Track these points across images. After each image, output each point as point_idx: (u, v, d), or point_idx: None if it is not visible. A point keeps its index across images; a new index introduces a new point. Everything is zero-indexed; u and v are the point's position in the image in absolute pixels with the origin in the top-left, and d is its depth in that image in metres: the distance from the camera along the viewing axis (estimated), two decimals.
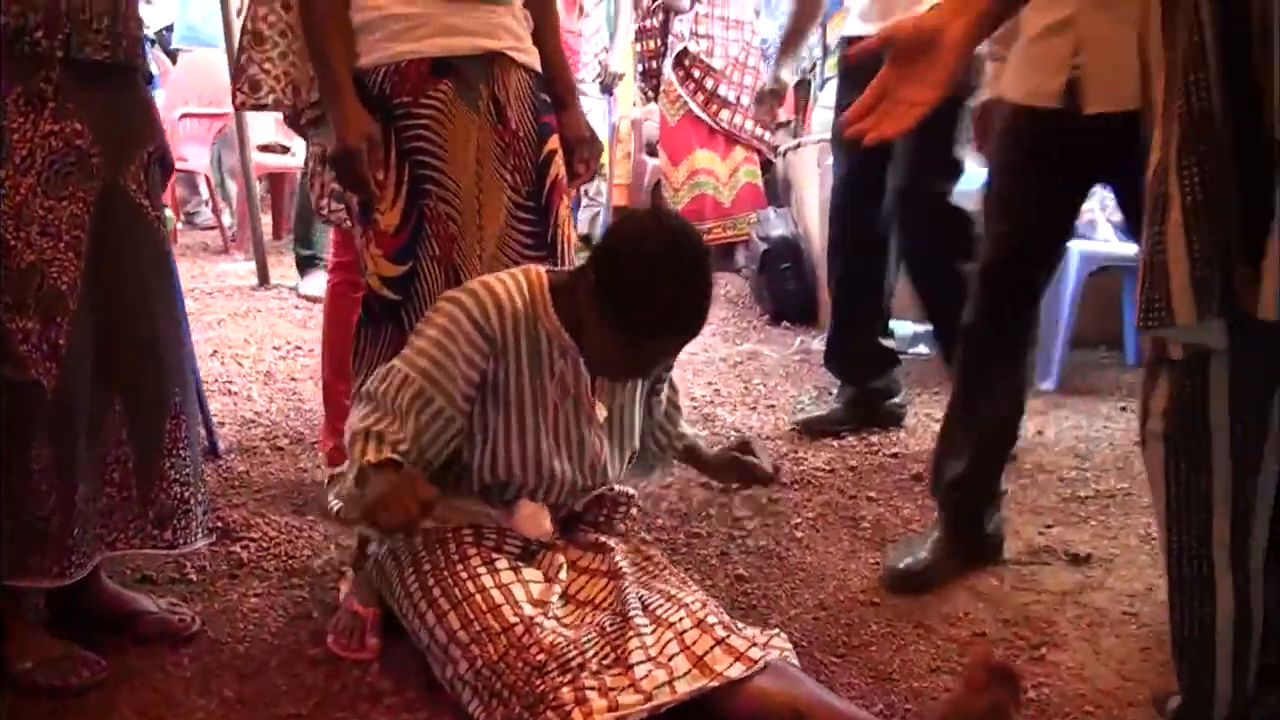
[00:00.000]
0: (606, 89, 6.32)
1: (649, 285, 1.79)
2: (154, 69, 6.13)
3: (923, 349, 4.31)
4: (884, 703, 1.90)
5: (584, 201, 6.69)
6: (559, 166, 2.20)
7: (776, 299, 4.99)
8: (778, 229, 5.14)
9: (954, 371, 2.52)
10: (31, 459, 1.86)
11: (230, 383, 3.76)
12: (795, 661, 1.86)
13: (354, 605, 2.11)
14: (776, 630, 1.92)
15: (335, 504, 2.00)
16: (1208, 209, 1.29)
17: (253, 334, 4.41)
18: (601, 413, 2.02)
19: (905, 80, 1.54)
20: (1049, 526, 2.69)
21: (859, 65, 1.97)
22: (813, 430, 3.37)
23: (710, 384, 3.94)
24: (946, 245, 3.05)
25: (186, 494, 2.10)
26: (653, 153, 6.33)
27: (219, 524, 2.59)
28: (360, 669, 2.00)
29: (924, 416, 3.56)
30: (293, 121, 2.40)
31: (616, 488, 2.12)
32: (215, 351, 4.13)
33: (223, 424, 3.33)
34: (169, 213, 2.93)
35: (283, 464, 3.05)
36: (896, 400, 3.52)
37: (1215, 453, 1.41)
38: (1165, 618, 1.57)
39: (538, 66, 2.21)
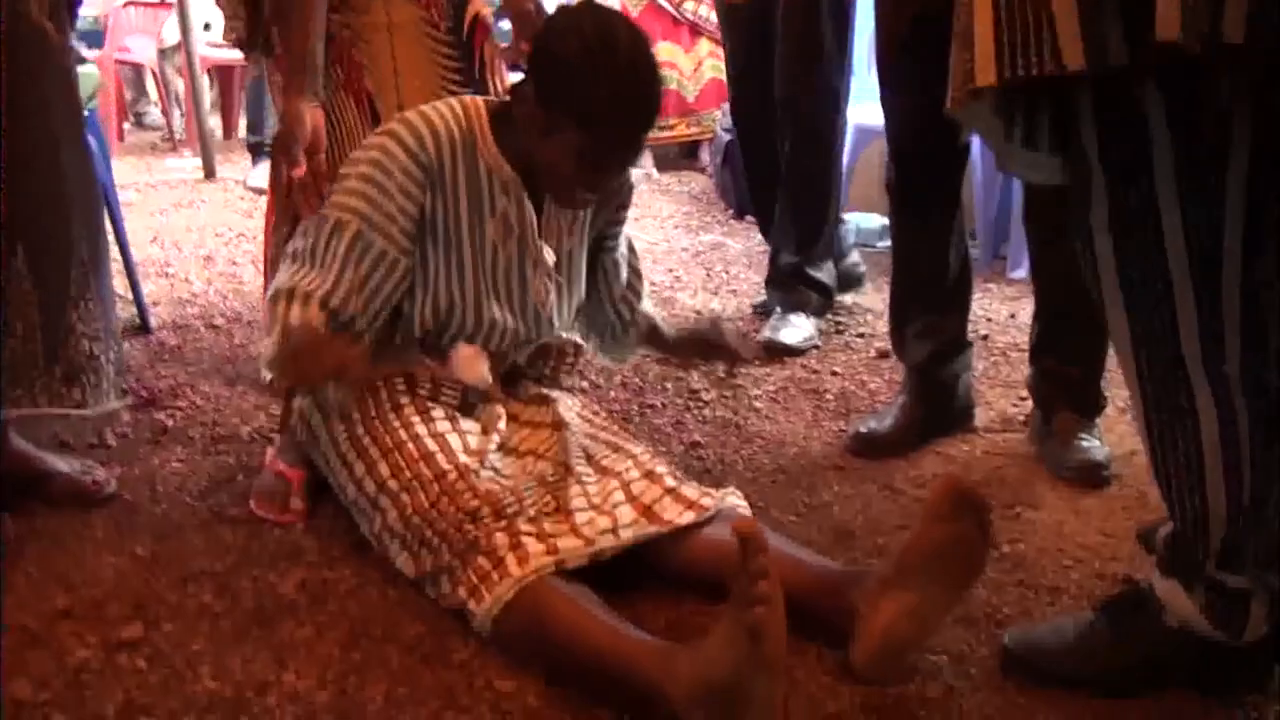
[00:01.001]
0: None
1: (590, 65, 1.63)
2: None
3: (888, 241, 4.15)
4: (845, 558, 1.78)
5: None
6: (478, 5, 2.04)
7: (740, 193, 4.81)
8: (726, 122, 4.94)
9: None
10: None
11: (168, 266, 3.59)
12: (748, 513, 1.73)
13: (279, 467, 1.99)
14: (732, 488, 1.79)
15: (265, 372, 1.84)
16: None
17: (195, 222, 4.22)
18: (549, 256, 1.86)
19: None
20: (1023, 399, 2.56)
21: None
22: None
23: (671, 271, 3.79)
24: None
25: (96, 350, 1.96)
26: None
27: (144, 393, 2.46)
28: (283, 529, 1.88)
29: None
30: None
31: (564, 336, 1.97)
32: (155, 238, 3.94)
33: (157, 303, 3.17)
34: (92, 68, 2.75)
35: (216, 340, 2.90)
36: (853, 261, 3.35)
37: (1169, 241, 1.27)
38: (1148, 481, 1.46)
39: None
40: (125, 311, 2.99)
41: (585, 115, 1.64)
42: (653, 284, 3.57)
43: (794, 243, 3.01)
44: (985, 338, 2.96)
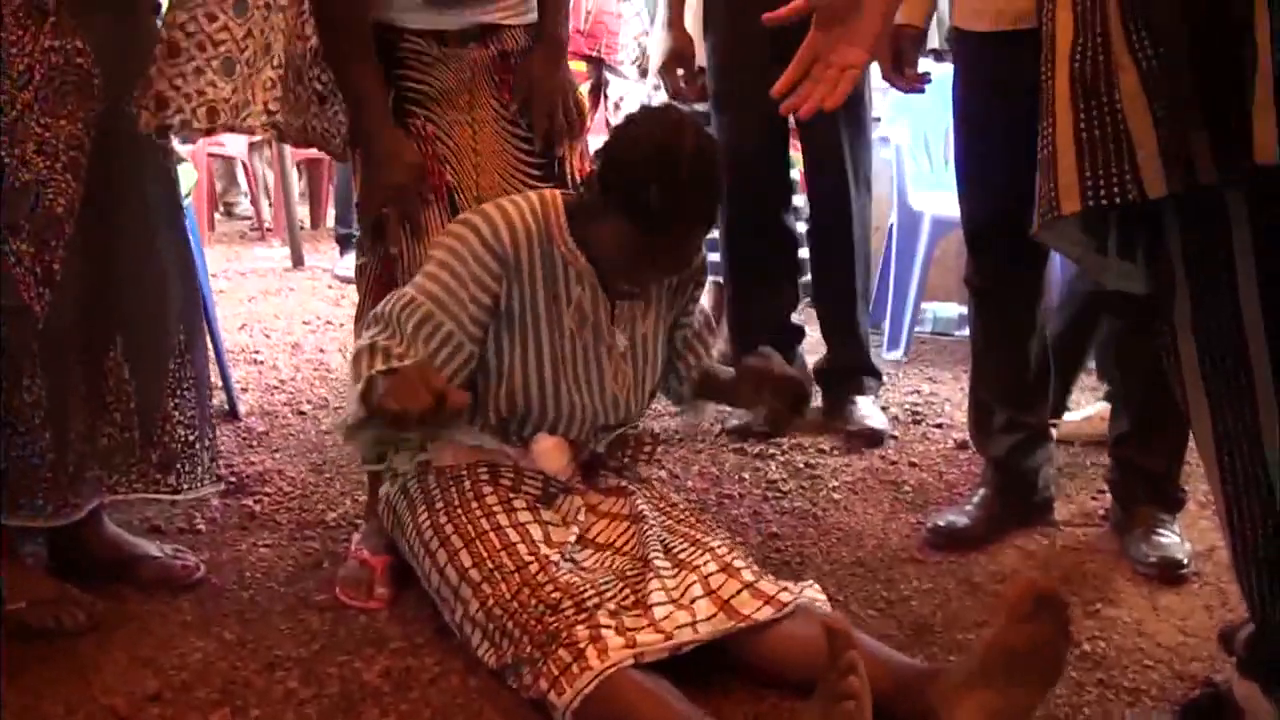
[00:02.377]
0: (645, 72, 6.20)
1: (651, 171, 1.68)
2: None
3: (965, 330, 4.15)
4: (924, 654, 1.77)
5: None
6: None
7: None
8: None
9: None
10: (24, 390, 1.77)
11: (257, 353, 3.69)
12: (829, 611, 1.73)
13: (362, 554, 2.03)
14: (810, 582, 1.79)
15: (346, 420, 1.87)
16: (1166, 73, 1.17)
17: (283, 310, 4.34)
18: (622, 342, 1.90)
19: (834, 44, 1.43)
20: (1103, 492, 2.53)
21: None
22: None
23: None
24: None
25: (191, 438, 2.03)
26: None
27: (233, 479, 2.52)
28: (367, 616, 1.91)
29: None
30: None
31: (640, 425, 1.99)
32: (244, 325, 4.06)
33: (245, 389, 3.25)
34: (189, 166, 2.87)
35: (303, 426, 2.96)
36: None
37: (1251, 342, 1.27)
38: (1229, 578, 1.44)
39: (534, 17, 2.09)
40: (215, 398, 3.07)
41: (640, 215, 1.70)
42: None
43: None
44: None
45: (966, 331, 4.05)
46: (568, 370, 1.87)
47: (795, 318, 3.13)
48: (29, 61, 1.74)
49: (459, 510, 1.81)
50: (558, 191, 1.90)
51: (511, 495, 1.84)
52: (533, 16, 2.08)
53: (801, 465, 2.71)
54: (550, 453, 1.87)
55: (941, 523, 2.24)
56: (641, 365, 1.93)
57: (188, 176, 2.76)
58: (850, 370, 3.04)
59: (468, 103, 2.01)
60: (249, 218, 6.47)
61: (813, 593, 1.75)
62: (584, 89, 4.63)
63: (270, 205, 6.28)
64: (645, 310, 1.93)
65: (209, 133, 1.99)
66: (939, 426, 3.04)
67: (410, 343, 1.77)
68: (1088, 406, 2.89)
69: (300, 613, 1.92)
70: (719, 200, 1.77)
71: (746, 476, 2.62)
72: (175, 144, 2.77)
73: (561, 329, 1.86)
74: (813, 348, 3.17)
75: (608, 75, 4.73)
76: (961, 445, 2.85)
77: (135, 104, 1.88)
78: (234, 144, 5.80)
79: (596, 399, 1.89)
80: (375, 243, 2.00)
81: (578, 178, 2.12)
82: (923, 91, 2.52)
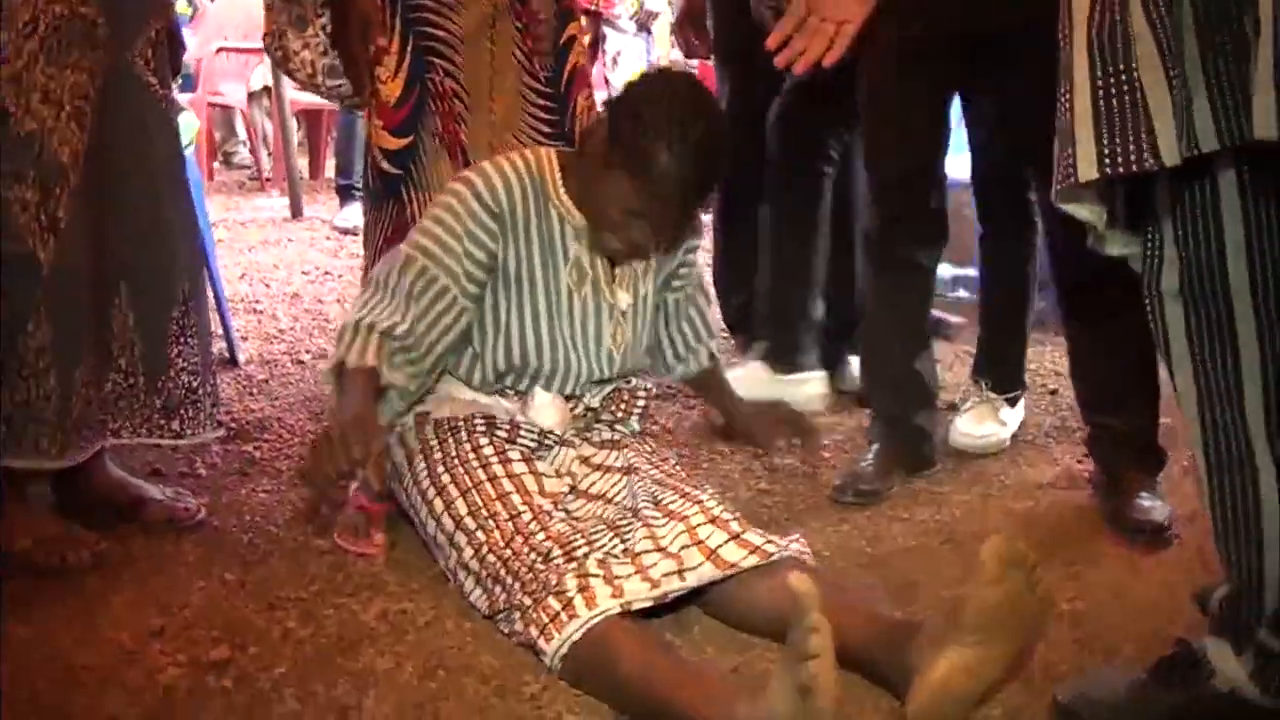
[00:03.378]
0: (643, 27, 6.20)
1: (665, 136, 1.71)
2: (188, 8, 6.12)
3: (963, 293, 4.18)
4: (907, 609, 1.81)
5: None
6: (580, 54, 2.12)
7: None
8: None
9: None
10: (29, 336, 1.81)
11: (257, 302, 3.73)
12: (812, 563, 1.78)
13: (361, 500, 2.06)
14: (797, 535, 1.83)
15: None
16: (1178, 43, 1.19)
17: (283, 260, 4.38)
18: (624, 300, 1.94)
19: None
20: (1087, 456, 2.58)
21: None
22: None
23: None
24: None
25: (195, 384, 2.07)
26: None
27: (233, 425, 2.57)
28: (365, 561, 1.95)
29: (961, 353, 3.44)
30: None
31: (633, 381, 2.04)
32: (244, 274, 4.10)
33: (245, 338, 3.30)
34: (190, 116, 2.88)
35: (302, 375, 3.01)
36: None
37: (1237, 307, 1.30)
38: (1210, 543, 1.48)
39: None
40: (215, 345, 3.11)
41: (644, 171, 1.73)
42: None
43: None
44: (1054, 392, 2.98)
45: (961, 293, 4.16)
46: (565, 327, 1.90)
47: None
48: (33, 12, 1.75)
49: (455, 460, 1.85)
50: (553, 150, 1.93)
51: (507, 447, 1.89)
52: None
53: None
54: (546, 408, 1.91)
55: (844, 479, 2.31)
56: (640, 324, 1.97)
57: (189, 126, 2.79)
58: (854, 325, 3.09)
59: (489, 54, 2.03)
60: (248, 167, 6.49)
61: (799, 546, 1.79)
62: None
63: (269, 155, 6.29)
64: (646, 269, 1.96)
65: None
66: None
67: (405, 304, 1.81)
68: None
69: (300, 556, 1.97)
70: (719, 176, 1.79)
71: (722, 434, 2.66)
72: (175, 93, 2.80)
73: (559, 286, 1.90)
74: None
75: (605, 29, 4.73)
76: (950, 406, 2.89)
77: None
78: (233, 93, 5.81)
79: (593, 356, 1.93)
80: (380, 203, 2.03)
81: None
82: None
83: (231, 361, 3.05)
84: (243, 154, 6.77)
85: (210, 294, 2.97)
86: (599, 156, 1.79)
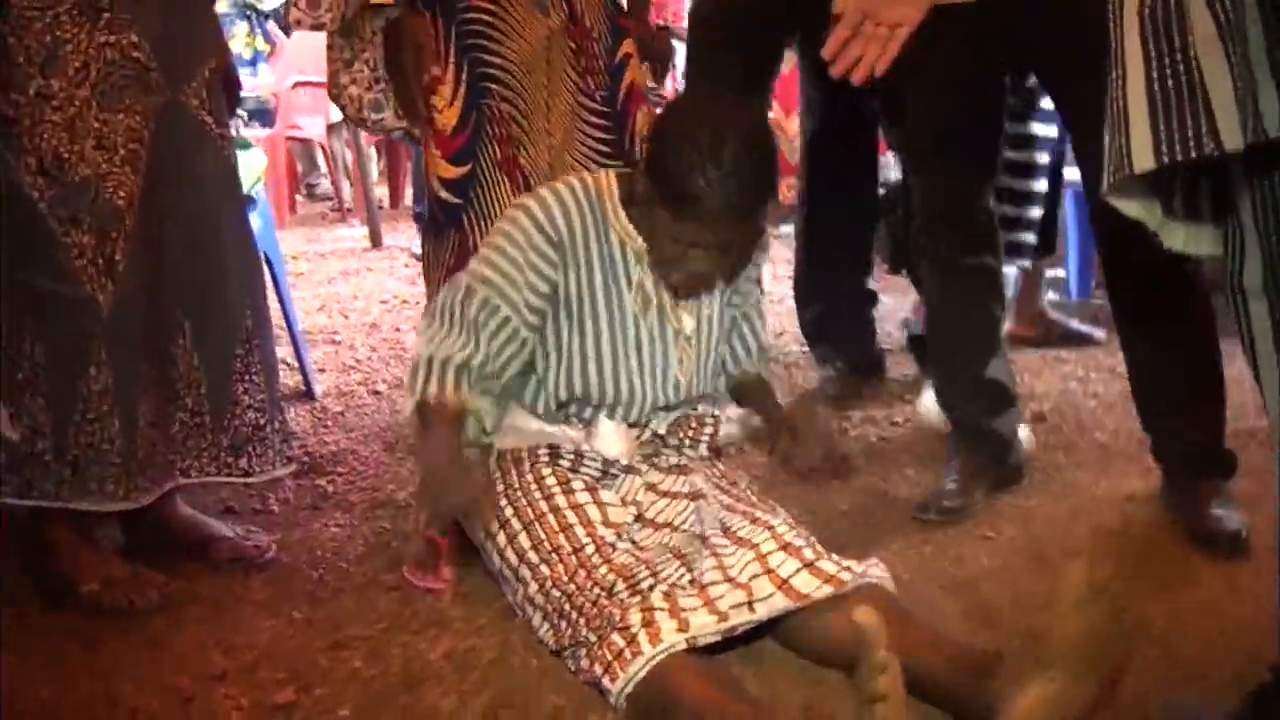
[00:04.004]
0: None
1: (691, 163, 1.63)
2: (266, 45, 6.23)
3: (1051, 294, 4.07)
4: (990, 636, 1.73)
5: None
6: (635, 71, 2.08)
7: (896, 246, 4.75)
8: (894, 173, 4.91)
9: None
10: (91, 380, 1.81)
11: (335, 333, 3.75)
12: (891, 589, 1.70)
13: (430, 534, 2.03)
14: (875, 560, 1.76)
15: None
16: (1240, 30, 1.10)
17: (361, 290, 4.40)
18: (689, 324, 1.88)
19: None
20: None
21: None
22: None
23: None
24: None
25: (261, 420, 2.06)
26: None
27: (306, 459, 2.56)
28: (433, 596, 1.93)
29: (1051, 360, 3.33)
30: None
31: (700, 408, 1.97)
32: (323, 306, 4.13)
33: (322, 370, 3.31)
34: (258, 153, 2.90)
35: (378, 406, 3.00)
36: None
37: None
38: None
39: None
40: (291, 379, 3.14)
41: (685, 205, 1.67)
42: (801, 344, 3.57)
43: None
44: None
45: (1050, 294, 4.05)
46: (630, 353, 1.85)
47: (871, 283, 3.14)
48: (84, 58, 1.76)
49: (519, 493, 1.81)
50: (612, 173, 1.88)
51: (570, 477, 1.84)
52: None
53: (874, 439, 2.68)
54: (611, 437, 1.86)
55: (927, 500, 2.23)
56: (706, 348, 1.91)
57: (256, 162, 2.80)
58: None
59: (545, 77, 2.00)
60: (330, 198, 6.57)
61: (878, 571, 1.71)
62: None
63: (350, 185, 6.37)
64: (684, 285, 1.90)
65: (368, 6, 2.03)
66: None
67: (471, 332, 1.78)
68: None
69: (368, 592, 1.95)
70: (766, 190, 1.71)
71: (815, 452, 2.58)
72: (251, 128, 2.81)
73: (623, 311, 1.84)
74: (888, 314, 3.13)
75: (676, 43, 4.69)
76: (1038, 417, 2.79)
77: (289, 4, 2.01)
78: (311, 126, 5.88)
79: (659, 383, 1.87)
80: (441, 233, 2.01)
81: None
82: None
83: (308, 394, 3.06)
84: (325, 186, 6.86)
85: (286, 328, 3.01)
86: (647, 193, 1.74)
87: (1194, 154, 1.13)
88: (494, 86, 1.96)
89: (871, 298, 3.17)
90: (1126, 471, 2.40)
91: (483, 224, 1.98)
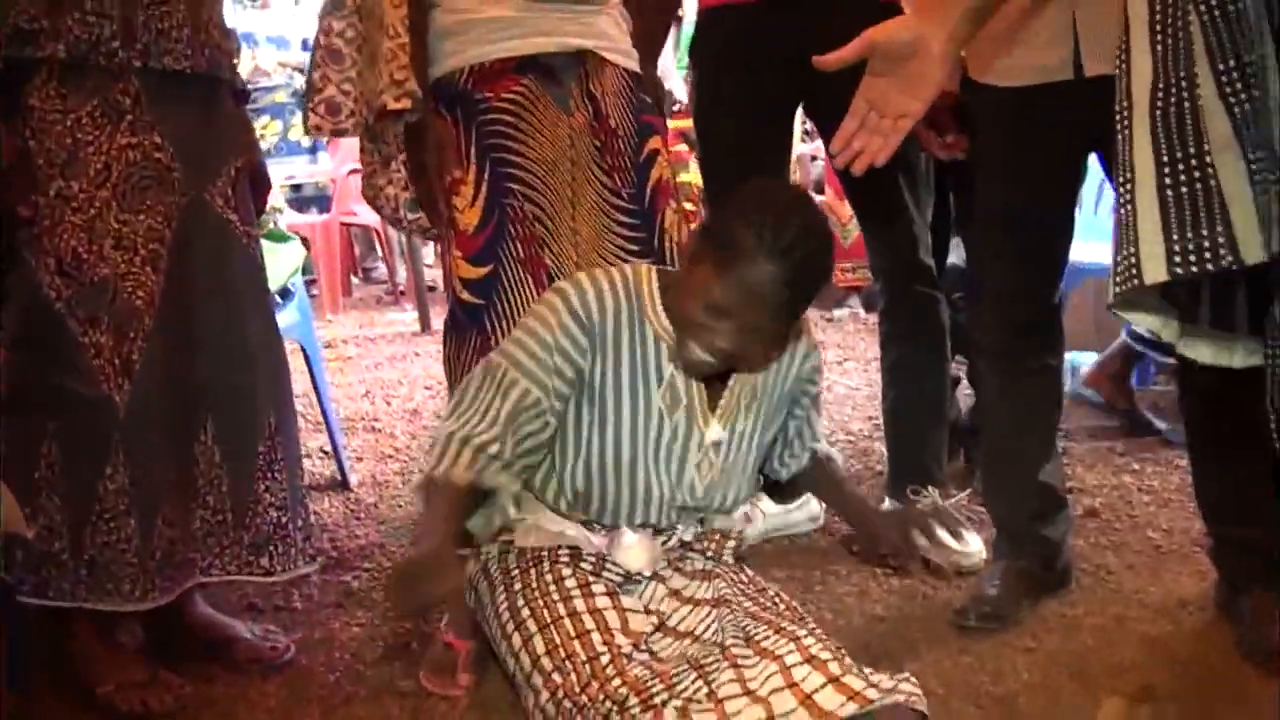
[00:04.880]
0: None
1: (758, 211, 1.62)
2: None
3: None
4: None
5: None
6: (663, 168, 2.06)
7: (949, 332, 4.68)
8: (950, 256, 4.84)
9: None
10: (107, 479, 1.81)
11: (375, 420, 3.74)
12: (924, 709, 1.61)
13: (448, 638, 1.99)
14: (906, 675, 1.67)
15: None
16: (1263, 118, 1.04)
17: (407, 376, 4.41)
18: (715, 432, 1.82)
19: (887, 92, 1.41)
20: None
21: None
22: None
23: (871, 418, 3.69)
24: None
25: (284, 519, 2.04)
26: (820, 190, 6.13)
27: (334, 553, 2.54)
28: (448, 703, 1.88)
29: (1104, 450, 3.22)
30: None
31: (720, 521, 1.91)
32: (367, 392, 4.14)
33: (361, 459, 3.30)
34: (296, 245, 2.92)
35: (412, 498, 2.96)
36: None
37: None
38: None
39: (635, 67, 2.09)
40: (326, 468, 3.13)
41: (729, 262, 1.63)
42: (850, 433, 3.50)
43: None
44: None
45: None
46: (648, 452, 1.80)
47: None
48: (106, 160, 1.78)
49: (536, 594, 1.76)
50: (652, 267, 1.85)
51: (591, 580, 1.78)
52: (633, 63, 2.07)
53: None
54: (634, 549, 1.80)
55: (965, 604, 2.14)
56: (732, 462, 1.85)
57: (293, 255, 2.81)
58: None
59: (569, 175, 1.99)
60: (385, 282, 6.64)
61: (909, 686, 1.62)
62: None
63: (405, 269, 6.43)
64: (749, 406, 1.84)
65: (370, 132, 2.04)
66: (1069, 491, 2.87)
67: (494, 413, 1.74)
68: None
69: (383, 699, 1.90)
70: (812, 286, 1.68)
71: (856, 550, 2.50)
72: (278, 220, 2.82)
73: (649, 407, 1.80)
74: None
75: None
76: (1090, 513, 2.69)
77: (307, 110, 2.01)
78: (366, 212, 5.95)
79: (674, 482, 1.82)
80: (463, 334, 1.99)
81: (680, 256, 2.06)
82: (961, 158, 2.33)
83: (343, 484, 3.04)
84: (381, 270, 6.94)
85: (322, 418, 3.01)
86: (691, 259, 1.71)
87: (1210, 267, 1.07)
88: (516, 186, 1.95)
89: (951, 383, 3.11)
90: (1180, 574, 2.30)
91: (504, 324, 1.95)
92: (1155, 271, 1.13)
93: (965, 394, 3.30)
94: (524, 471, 1.81)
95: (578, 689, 1.60)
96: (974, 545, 2.42)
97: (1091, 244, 3.08)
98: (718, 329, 1.68)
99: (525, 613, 1.75)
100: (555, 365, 1.75)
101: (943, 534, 2.45)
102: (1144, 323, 1.23)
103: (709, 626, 1.74)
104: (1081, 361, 3.94)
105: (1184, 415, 2.11)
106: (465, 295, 1.98)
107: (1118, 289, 1.18)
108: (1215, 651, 1.97)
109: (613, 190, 2.02)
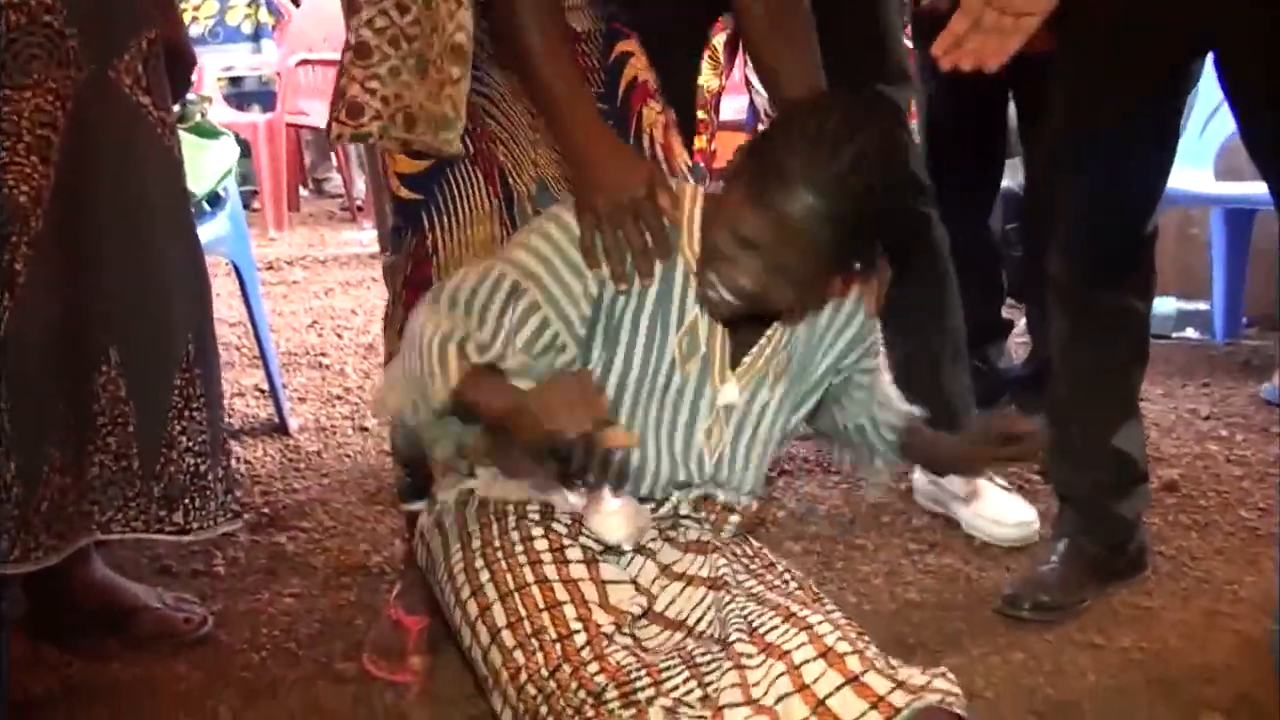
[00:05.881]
0: None
1: (810, 122, 1.55)
2: (270, 17, 6.26)
3: (1190, 332, 3.93)
4: None
5: None
6: (637, 68, 2.01)
7: (1015, 269, 4.59)
8: (1010, 180, 4.74)
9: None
10: None
11: (322, 355, 3.73)
12: (963, 711, 1.55)
13: (396, 613, 1.97)
14: (943, 670, 1.61)
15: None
16: None
17: (363, 305, 4.39)
18: (730, 393, 1.74)
19: None
20: None
21: None
22: None
23: None
24: None
25: (203, 467, 1.99)
26: None
27: (266, 510, 2.53)
28: (395, 691, 1.85)
29: (1185, 413, 3.17)
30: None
31: (723, 495, 1.83)
32: (314, 322, 4.12)
33: (304, 399, 3.29)
34: (229, 142, 2.83)
35: (364, 446, 2.96)
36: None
37: None
38: None
39: None
40: (262, 409, 3.08)
41: (761, 177, 1.55)
42: None
43: None
44: None
45: (1189, 332, 3.90)
46: (652, 405, 1.71)
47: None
48: None
49: (499, 554, 1.67)
50: (701, 189, 1.76)
51: (566, 543, 1.70)
52: None
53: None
54: (614, 519, 1.70)
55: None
56: (744, 434, 1.77)
57: (226, 154, 2.73)
58: None
59: None
60: (340, 195, 6.58)
61: (944, 684, 1.56)
62: (720, 39, 4.54)
63: (364, 181, 6.36)
64: (778, 377, 1.77)
65: (405, 144, 1.91)
66: None
67: (496, 327, 1.64)
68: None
69: (318, 684, 1.88)
70: (878, 231, 1.61)
71: (886, 521, 2.47)
72: (207, 112, 2.72)
73: (661, 352, 1.71)
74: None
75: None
76: (1168, 486, 2.64)
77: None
78: (319, 113, 5.87)
79: (677, 452, 1.73)
80: (399, 239, 1.92)
81: (669, 158, 2.00)
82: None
83: (281, 429, 3.01)
84: (336, 181, 6.87)
85: (259, 350, 2.95)
86: (736, 161, 1.63)
87: None
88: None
89: (1004, 329, 3.15)
90: None
91: (445, 220, 1.88)
92: None
93: (1019, 341, 3.26)
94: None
95: (545, 672, 1.53)
96: (1027, 515, 2.37)
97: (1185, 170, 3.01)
98: (742, 263, 1.60)
99: (484, 575, 1.66)
100: (586, 289, 1.65)
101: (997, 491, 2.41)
102: None
103: (704, 615, 1.67)
104: (1159, 309, 3.91)
105: None
106: (403, 192, 1.92)
107: None
108: None
109: None
